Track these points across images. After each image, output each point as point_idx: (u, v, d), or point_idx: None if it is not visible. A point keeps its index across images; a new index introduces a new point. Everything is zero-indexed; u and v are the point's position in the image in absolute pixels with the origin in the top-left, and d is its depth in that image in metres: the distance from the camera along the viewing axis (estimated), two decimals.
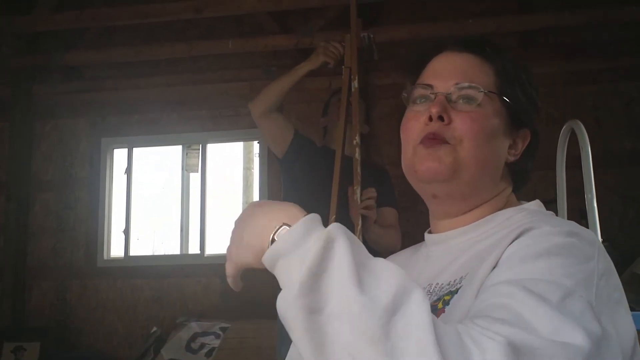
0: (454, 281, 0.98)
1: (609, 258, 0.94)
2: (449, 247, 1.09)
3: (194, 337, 4.43)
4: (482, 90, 1.06)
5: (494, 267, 0.91)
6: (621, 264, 3.14)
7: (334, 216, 2.63)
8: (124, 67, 5.25)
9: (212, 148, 5.37)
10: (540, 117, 1.14)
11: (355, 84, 2.79)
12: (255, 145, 5.28)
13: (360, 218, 2.65)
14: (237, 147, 6.69)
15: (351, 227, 2.68)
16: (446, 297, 0.95)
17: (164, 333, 4.65)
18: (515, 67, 1.12)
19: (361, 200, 2.68)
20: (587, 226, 2.23)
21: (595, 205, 2.30)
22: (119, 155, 5.40)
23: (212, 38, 4.83)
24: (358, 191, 2.68)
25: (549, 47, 4.79)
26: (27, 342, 4.74)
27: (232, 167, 6.87)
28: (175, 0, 4.36)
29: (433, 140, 1.05)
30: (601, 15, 4.16)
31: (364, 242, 2.66)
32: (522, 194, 1.17)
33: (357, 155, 2.70)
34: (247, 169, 7.26)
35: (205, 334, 4.45)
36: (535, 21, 4.43)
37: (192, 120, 5.20)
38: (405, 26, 4.51)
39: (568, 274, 0.84)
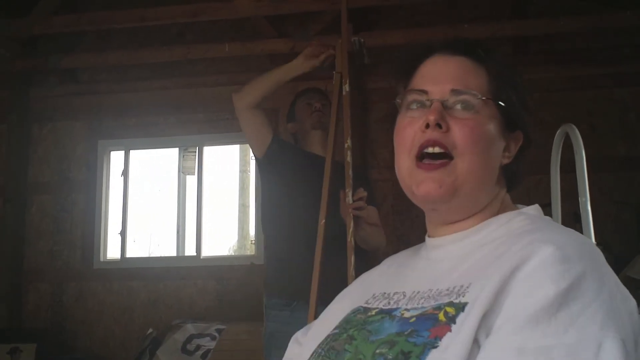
0: (454, 288, 0.96)
1: (608, 265, 0.94)
2: (449, 252, 1.08)
3: (189, 339, 4.44)
4: (479, 97, 1.05)
5: (501, 288, 0.89)
6: (615, 267, 3.16)
7: (324, 220, 2.63)
8: (121, 70, 5.27)
9: (208, 151, 5.39)
10: (531, 118, 1.13)
11: (346, 87, 2.80)
12: None
13: (351, 219, 2.66)
14: (234, 150, 6.70)
15: (343, 228, 2.69)
16: (449, 309, 0.92)
17: (159, 335, 4.66)
18: (508, 70, 1.11)
19: (353, 201, 2.69)
20: (581, 230, 2.25)
21: (590, 208, 2.32)
22: (116, 157, 5.41)
23: (209, 42, 4.85)
24: (350, 194, 2.69)
25: (544, 54, 4.82)
26: (23, 343, 4.75)
27: (228, 169, 6.87)
28: (172, 4, 4.38)
29: (431, 165, 1.03)
30: (595, 21, 4.18)
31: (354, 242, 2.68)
32: (517, 198, 1.16)
33: (349, 158, 2.71)
34: (243, 171, 7.27)
35: (201, 335, 4.45)
36: (530, 27, 4.46)
37: (189, 123, 5.22)
38: (401, 31, 4.53)
39: (592, 318, 0.83)
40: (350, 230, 2.63)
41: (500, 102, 1.07)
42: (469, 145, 1.03)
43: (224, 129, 5.12)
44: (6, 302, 5.03)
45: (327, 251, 2.63)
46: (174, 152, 5.41)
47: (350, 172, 2.70)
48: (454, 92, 1.05)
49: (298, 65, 2.96)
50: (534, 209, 1.11)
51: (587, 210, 2.30)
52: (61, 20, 4.53)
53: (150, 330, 4.72)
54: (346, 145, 2.74)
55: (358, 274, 2.55)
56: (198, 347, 4.37)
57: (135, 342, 4.86)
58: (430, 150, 1.04)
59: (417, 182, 1.05)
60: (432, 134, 1.03)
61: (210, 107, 5.13)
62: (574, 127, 2.40)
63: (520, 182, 1.15)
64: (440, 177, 1.03)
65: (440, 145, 1.03)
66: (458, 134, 1.03)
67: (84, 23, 4.49)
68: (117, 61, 5.00)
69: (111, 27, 4.69)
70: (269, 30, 4.79)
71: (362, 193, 2.70)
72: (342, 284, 2.56)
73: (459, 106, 1.05)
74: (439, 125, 1.03)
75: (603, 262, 0.93)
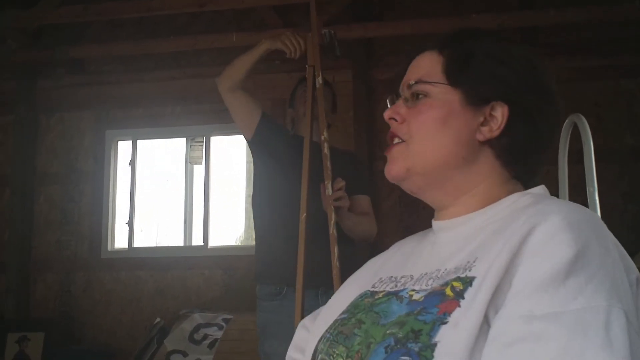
0: (461, 265, 0.98)
1: (611, 234, 0.95)
2: (455, 234, 1.09)
3: (197, 328, 4.46)
4: (413, 82, 1.11)
5: (510, 262, 0.90)
6: None
7: (305, 214, 2.63)
8: (128, 61, 5.28)
9: (215, 141, 5.40)
10: (525, 86, 1.09)
11: (319, 80, 2.81)
12: None
13: (333, 211, 2.66)
14: (241, 140, 6.71)
15: (325, 219, 2.69)
16: (455, 284, 0.94)
17: (167, 324, 4.68)
18: (471, 46, 1.11)
19: (332, 192, 2.69)
20: None
21: (597, 199, 2.31)
22: (123, 147, 5.43)
23: (215, 32, 4.85)
24: (329, 186, 2.69)
25: (551, 45, 4.80)
26: (32, 332, 4.78)
27: (235, 160, 6.88)
28: None
29: (391, 146, 1.13)
30: (603, 12, 4.16)
31: (340, 231, 2.68)
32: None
33: (326, 150, 2.72)
34: (250, 162, 7.26)
35: (208, 325, 4.48)
36: (537, 18, 4.45)
37: (196, 113, 5.23)
38: (409, 22, 4.52)
39: (599, 286, 0.85)
40: (332, 222, 2.64)
41: (445, 82, 1.09)
42: (418, 127, 1.10)
43: (231, 120, 5.07)
44: (15, 291, 5.07)
45: (314, 237, 2.63)
46: (182, 142, 5.42)
47: (329, 164, 2.70)
48: (408, 86, 1.14)
49: (269, 44, 2.98)
50: (540, 189, 1.11)
51: (594, 200, 2.30)
52: (68, 11, 4.54)
53: (158, 319, 4.74)
54: (322, 138, 2.75)
55: (346, 263, 2.57)
56: (205, 337, 4.40)
57: (142, 331, 4.89)
58: (395, 142, 1.13)
59: (385, 165, 1.15)
60: (392, 127, 1.14)
61: (216, 97, 5.05)
62: (582, 116, 2.40)
63: (525, 161, 1.12)
64: (394, 156, 1.12)
65: (397, 136, 1.12)
66: (411, 121, 1.11)
67: (91, 14, 4.49)
68: (124, 52, 5.01)
69: (118, 17, 4.69)
70: (275, 21, 4.79)
71: (341, 183, 2.70)
72: (331, 269, 2.59)
73: (412, 98, 1.13)
74: (395, 120, 1.13)
75: (607, 233, 0.94)
